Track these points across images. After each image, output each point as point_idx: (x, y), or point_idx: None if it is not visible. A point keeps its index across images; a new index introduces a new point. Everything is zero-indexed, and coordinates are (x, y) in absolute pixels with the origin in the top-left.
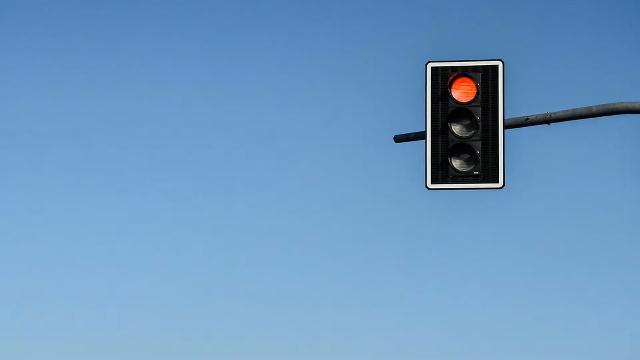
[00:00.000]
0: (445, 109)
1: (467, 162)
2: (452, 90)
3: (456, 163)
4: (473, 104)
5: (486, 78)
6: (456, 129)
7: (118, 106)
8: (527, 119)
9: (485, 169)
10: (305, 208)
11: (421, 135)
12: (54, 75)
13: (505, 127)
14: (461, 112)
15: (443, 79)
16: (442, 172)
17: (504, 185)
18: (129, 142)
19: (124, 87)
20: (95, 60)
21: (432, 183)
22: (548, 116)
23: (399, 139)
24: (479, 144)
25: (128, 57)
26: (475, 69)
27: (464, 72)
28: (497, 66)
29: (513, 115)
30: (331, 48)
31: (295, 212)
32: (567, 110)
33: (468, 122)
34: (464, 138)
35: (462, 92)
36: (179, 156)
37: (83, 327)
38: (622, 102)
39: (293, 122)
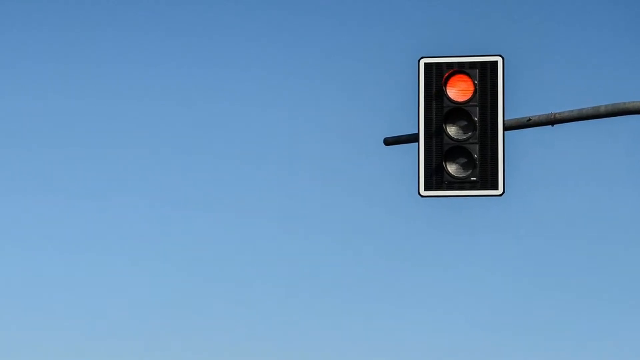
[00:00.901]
0: (439, 109)
1: (464, 167)
2: (447, 88)
3: (452, 168)
4: (470, 103)
5: (484, 75)
6: (452, 130)
7: (108, 106)
8: (529, 119)
9: (484, 175)
10: (288, 216)
11: (413, 138)
12: None
13: (505, 128)
14: (457, 112)
15: (437, 76)
16: (436, 178)
17: (503, 192)
18: (120, 143)
19: (102, 84)
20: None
21: (425, 190)
22: (552, 117)
23: (389, 141)
24: (476, 147)
25: (101, 52)
26: (472, 65)
27: (460, 68)
28: (496, 62)
29: (514, 115)
30: (316, 44)
31: (277, 220)
32: (572, 111)
33: (465, 123)
34: (461, 141)
35: (458, 90)
36: (162, 159)
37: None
38: (634, 102)
39: (275, 122)
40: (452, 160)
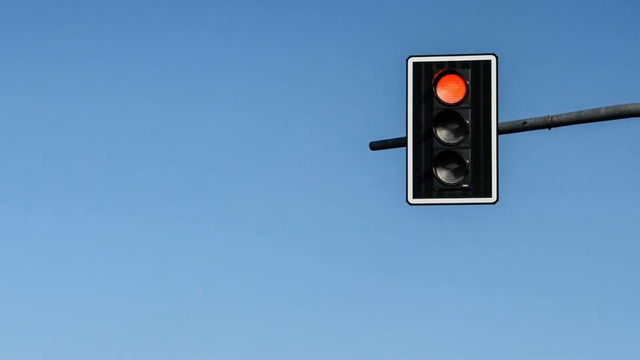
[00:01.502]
0: (429, 112)
1: (455, 173)
2: (438, 89)
3: (442, 174)
4: (462, 105)
5: (477, 75)
6: (442, 134)
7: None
8: (525, 122)
9: (476, 181)
10: (267, 224)
11: (401, 142)
12: None
13: (499, 132)
14: (448, 114)
15: (427, 76)
16: (425, 185)
17: (497, 200)
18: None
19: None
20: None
21: (414, 197)
22: (549, 119)
23: (375, 146)
24: (468, 152)
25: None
26: (464, 64)
27: (451, 68)
28: (489, 61)
29: (508, 118)
30: (298, 43)
31: (257, 228)
32: (571, 113)
33: (456, 126)
34: (452, 145)
35: (449, 91)
36: (140, 166)
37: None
38: (636, 103)
39: (255, 125)
40: (443, 166)
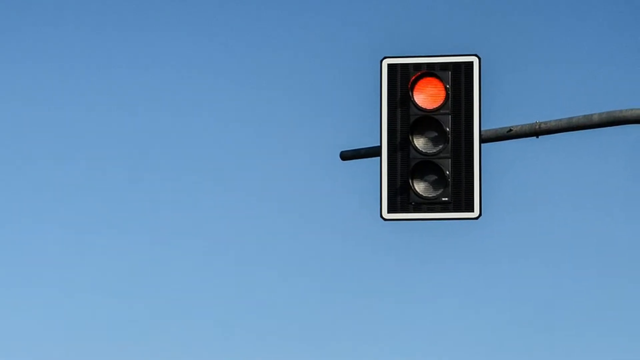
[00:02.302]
0: (405, 118)
1: (434, 185)
2: (415, 93)
3: (420, 187)
4: (441, 111)
5: (458, 78)
6: (420, 143)
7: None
8: (511, 130)
9: (457, 195)
10: (230, 242)
11: (375, 152)
12: None
13: (482, 140)
14: (426, 121)
15: (403, 79)
16: (401, 199)
17: (480, 215)
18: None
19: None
20: None
21: (388, 212)
22: (537, 127)
23: (346, 155)
24: (448, 163)
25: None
26: (444, 66)
27: (429, 70)
28: (471, 63)
29: (492, 125)
30: (262, 44)
31: (218, 246)
32: (560, 120)
33: (435, 134)
34: (430, 155)
35: (428, 95)
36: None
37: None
38: (632, 109)
39: (215, 134)
40: (420, 177)
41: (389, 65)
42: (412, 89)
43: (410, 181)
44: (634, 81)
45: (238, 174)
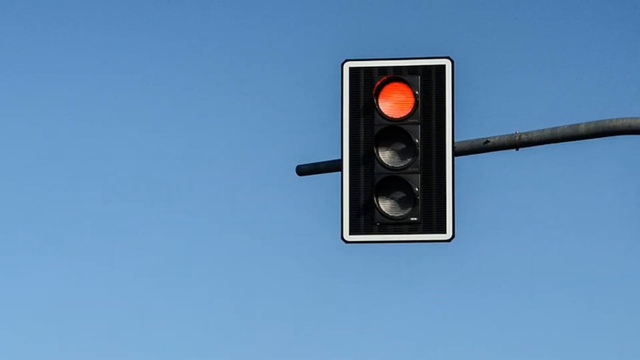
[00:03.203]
0: (369, 128)
1: (401, 203)
2: (380, 100)
3: (385, 205)
4: (409, 120)
5: (428, 83)
6: (385, 156)
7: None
8: (488, 141)
9: (427, 214)
10: (178, 267)
11: (335, 166)
12: None
13: (456, 153)
14: (392, 132)
15: (367, 84)
16: (365, 219)
17: (453, 236)
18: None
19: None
20: None
21: (350, 234)
22: (516, 138)
23: (303, 170)
24: (418, 178)
25: None
26: (412, 70)
27: (396, 74)
28: (443, 67)
29: (467, 136)
30: (210, 47)
31: (167, 273)
32: (543, 130)
33: (402, 146)
34: (397, 169)
35: (394, 103)
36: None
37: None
38: (623, 118)
39: (159, 145)
40: (386, 194)
41: (351, 69)
42: (376, 96)
43: (374, 199)
44: (624, 88)
45: (187, 191)
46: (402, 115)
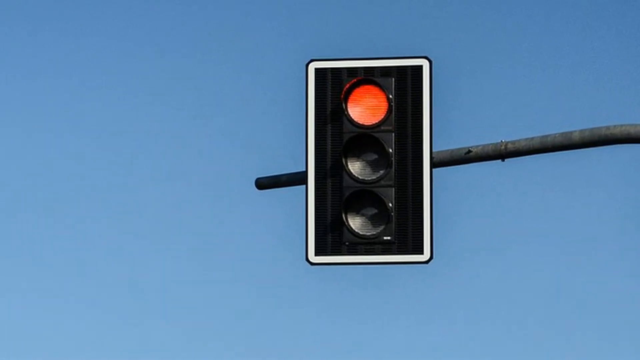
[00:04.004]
0: (338, 136)
1: (373, 220)
2: (350, 105)
3: (355, 222)
4: (382, 127)
5: (404, 86)
6: (355, 167)
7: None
8: (470, 151)
9: (403, 233)
10: (128, 293)
11: (299, 179)
12: None
13: (434, 165)
14: (364, 140)
15: (335, 87)
16: (332, 238)
17: (431, 258)
18: None
19: None
20: None
21: (316, 255)
22: (502, 147)
23: (263, 183)
24: (392, 192)
25: None
26: (385, 71)
27: (367, 76)
28: (420, 68)
29: (447, 146)
30: (155, 45)
31: (116, 301)
32: (532, 139)
33: (374, 156)
34: (368, 183)
35: (366, 108)
36: None
37: None
38: (622, 125)
39: (106, 157)
40: (356, 211)
41: (317, 70)
42: (345, 100)
43: (343, 216)
44: (623, 91)
45: (134, 208)
46: (374, 122)
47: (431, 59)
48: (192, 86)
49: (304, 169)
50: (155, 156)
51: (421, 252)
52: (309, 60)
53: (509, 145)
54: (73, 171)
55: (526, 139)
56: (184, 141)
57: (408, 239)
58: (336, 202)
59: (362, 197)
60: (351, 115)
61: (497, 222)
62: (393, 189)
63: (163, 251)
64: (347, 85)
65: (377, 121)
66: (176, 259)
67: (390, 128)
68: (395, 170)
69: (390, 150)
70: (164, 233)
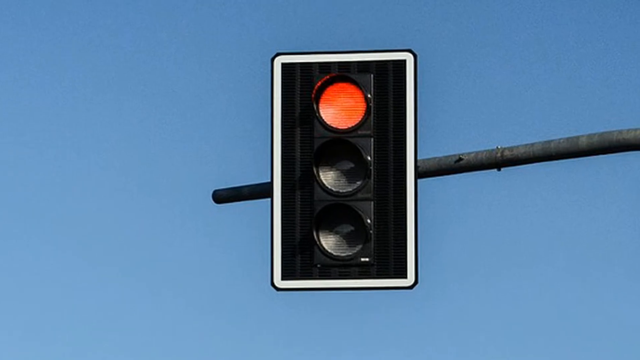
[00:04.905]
0: (308, 142)
1: (349, 240)
2: (322, 106)
3: (328, 242)
4: (360, 131)
5: (384, 84)
6: (329, 178)
7: None
8: (461, 159)
9: (383, 253)
10: (77, 318)
11: (263, 191)
12: None
13: (419, 174)
14: (338, 146)
15: (304, 85)
16: (301, 259)
17: (416, 282)
18: None
19: None
20: None
21: (283, 279)
22: (498, 154)
23: (222, 197)
24: (370, 207)
25: None
26: (363, 66)
27: (342, 72)
28: (403, 62)
29: (434, 153)
30: (107, 43)
31: (65, 323)
32: (532, 145)
33: (350, 165)
34: (344, 195)
35: (340, 110)
36: None
37: None
38: (635, 129)
39: (43, 163)
40: (330, 228)
41: (284, 66)
42: (317, 100)
43: (314, 234)
44: (634, 92)
45: (80, 227)
46: (349, 126)
47: (416, 52)
48: (140, 83)
49: (269, 180)
50: (96, 163)
51: (404, 275)
52: (274, 54)
53: (506, 152)
54: (5, 181)
55: (525, 144)
56: (130, 146)
57: (389, 260)
58: (306, 218)
59: (336, 213)
60: (323, 118)
61: (492, 241)
62: (372, 202)
63: (112, 273)
64: (319, 83)
65: (353, 124)
66: (121, 284)
67: (368, 132)
68: (374, 181)
69: (369, 158)
70: (113, 251)
